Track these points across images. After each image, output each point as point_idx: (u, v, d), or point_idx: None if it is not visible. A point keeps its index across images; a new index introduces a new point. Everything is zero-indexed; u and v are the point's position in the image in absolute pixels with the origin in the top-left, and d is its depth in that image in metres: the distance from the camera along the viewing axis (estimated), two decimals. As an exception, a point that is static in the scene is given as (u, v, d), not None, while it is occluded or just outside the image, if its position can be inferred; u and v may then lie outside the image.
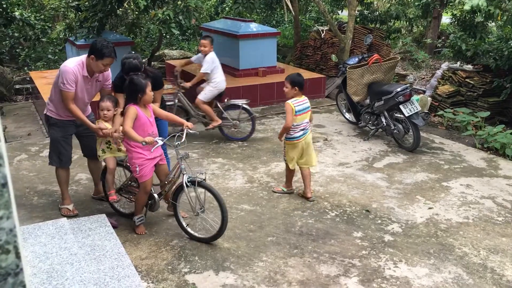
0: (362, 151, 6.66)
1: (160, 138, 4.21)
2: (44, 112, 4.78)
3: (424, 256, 4.15)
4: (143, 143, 4.09)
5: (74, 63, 4.47)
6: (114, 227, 4.48)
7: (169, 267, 4.04)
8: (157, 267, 4.04)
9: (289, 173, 5.25)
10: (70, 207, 4.91)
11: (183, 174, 4.26)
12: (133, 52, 5.83)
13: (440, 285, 3.77)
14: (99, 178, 4.99)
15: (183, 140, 4.26)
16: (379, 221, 4.75)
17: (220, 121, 6.88)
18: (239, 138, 7.07)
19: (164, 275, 3.92)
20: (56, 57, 12.21)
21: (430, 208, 5.01)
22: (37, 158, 6.55)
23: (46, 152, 6.70)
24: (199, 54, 7.00)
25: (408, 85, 6.62)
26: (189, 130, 4.37)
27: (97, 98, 4.86)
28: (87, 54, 4.46)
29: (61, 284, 3.18)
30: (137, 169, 4.26)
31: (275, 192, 5.33)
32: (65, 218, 4.22)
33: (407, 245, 4.33)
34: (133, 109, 4.23)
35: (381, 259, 4.11)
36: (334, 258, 4.13)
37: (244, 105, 6.84)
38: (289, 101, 4.96)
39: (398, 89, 6.41)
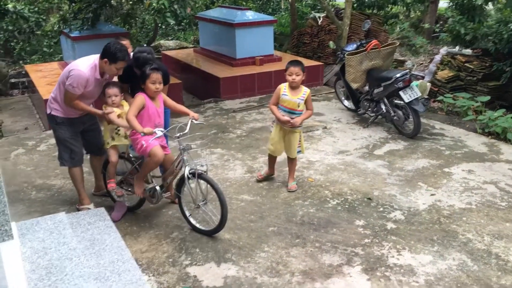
0: (362, 138, 6.60)
1: (160, 129, 4.13)
2: (48, 112, 4.62)
3: (427, 243, 4.10)
4: (142, 133, 4.03)
5: (87, 67, 4.32)
6: (114, 220, 4.43)
7: (170, 259, 4.00)
8: (157, 260, 4.00)
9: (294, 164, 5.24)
10: (91, 206, 4.77)
11: (185, 166, 4.19)
12: (144, 46, 5.68)
13: (445, 272, 3.73)
14: (101, 173, 4.92)
15: (186, 131, 4.18)
16: (381, 209, 4.70)
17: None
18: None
19: (165, 268, 3.88)
20: (52, 49, 12.10)
21: (432, 194, 4.96)
22: (34, 152, 6.48)
23: (43, 147, 6.65)
24: None
25: (407, 70, 6.53)
26: (194, 121, 4.29)
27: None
28: (99, 56, 4.34)
29: (60, 279, 3.13)
30: (143, 143, 4.17)
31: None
32: (64, 212, 4.16)
33: (410, 232, 4.29)
34: (140, 98, 4.17)
35: (384, 247, 4.07)
36: (337, 247, 4.09)
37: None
38: (307, 88, 4.96)
39: (398, 75, 6.34)
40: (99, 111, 4.53)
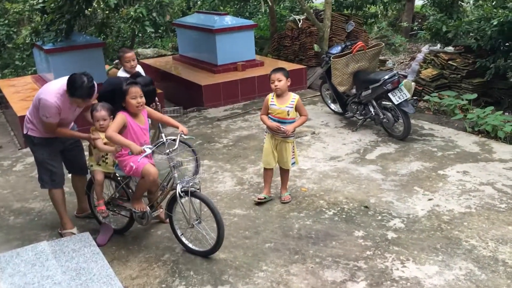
0: (352, 142, 6.44)
1: (149, 146, 3.88)
2: (24, 132, 4.35)
3: (431, 253, 3.94)
4: (129, 153, 3.78)
5: (55, 96, 4.03)
6: (99, 245, 4.17)
7: (163, 285, 3.75)
8: (149, 286, 3.75)
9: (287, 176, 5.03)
10: (74, 230, 4.50)
11: (177, 184, 3.95)
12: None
13: (453, 283, 3.57)
14: (84, 194, 4.64)
15: (175, 147, 3.94)
16: (380, 217, 4.54)
17: None
18: None
19: (159, 295, 3.64)
20: (24, 63, 11.69)
21: (430, 199, 4.81)
22: (10, 173, 6.15)
23: (20, 166, 6.32)
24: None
25: (395, 72, 6.40)
26: (183, 135, 4.05)
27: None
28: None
29: (46, 319, 2.87)
30: (132, 165, 3.92)
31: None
32: (45, 241, 3.87)
33: (412, 241, 4.13)
34: (121, 117, 3.92)
35: (387, 259, 3.89)
36: (338, 262, 3.90)
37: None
38: (296, 94, 4.75)
39: (386, 77, 6.20)
40: (85, 135, 4.27)
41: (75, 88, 3.96)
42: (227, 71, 8.99)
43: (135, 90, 3.91)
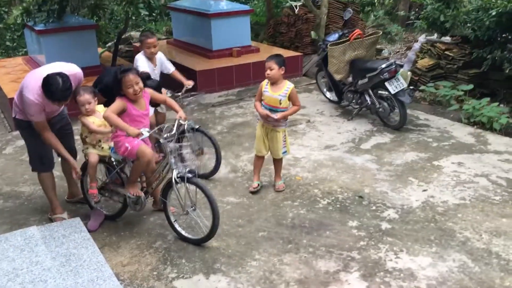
0: (347, 131, 6.39)
1: (146, 129, 3.79)
2: (13, 116, 4.24)
3: (425, 244, 3.92)
4: (126, 133, 3.71)
5: (34, 92, 3.89)
6: (90, 230, 4.11)
7: (154, 272, 3.70)
8: (141, 273, 3.70)
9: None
10: (65, 215, 4.42)
11: (173, 170, 3.87)
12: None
13: (446, 275, 3.55)
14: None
15: (173, 132, 3.86)
16: (374, 208, 4.51)
17: None
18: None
19: (150, 283, 3.59)
20: (15, 43, 11.50)
21: (424, 190, 4.79)
22: (0, 156, 6.04)
23: (10, 149, 6.23)
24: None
25: (393, 61, 6.33)
26: (182, 121, 3.98)
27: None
28: None
29: (34, 305, 2.82)
30: (127, 145, 3.85)
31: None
32: (35, 226, 3.80)
33: (406, 232, 4.10)
34: (120, 102, 3.83)
35: (381, 250, 3.87)
36: (332, 252, 3.87)
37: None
38: (292, 84, 4.67)
39: (383, 66, 6.13)
40: (72, 160, 4.21)
41: (50, 92, 3.84)
42: (222, 56, 8.87)
43: (130, 79, 3.79)
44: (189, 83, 5.25)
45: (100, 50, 9.32)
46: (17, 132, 6.41)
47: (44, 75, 3.89)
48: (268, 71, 4.53)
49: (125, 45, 11.05)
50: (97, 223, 4.34)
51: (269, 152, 4.86)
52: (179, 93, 5.15)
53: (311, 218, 4.36)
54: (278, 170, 4.93)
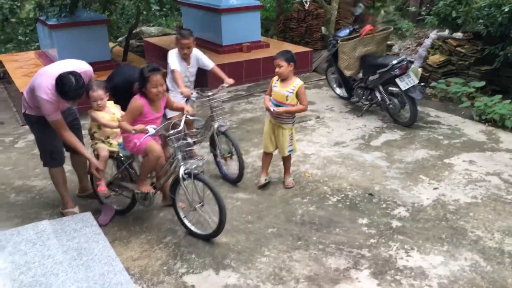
0: (357, 128, 6.36)
1: (152, 126, 3.79)
2: (23, 111, 4.26)
3: (436, 243, 3.90)
4: (133, 131, 3.71)
5: (47, 90, 3.89)
6: (101, 225, 4.13)
7: (165, 267, 3.72)
8: (151, 268, 3.72)
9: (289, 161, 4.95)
10: (76, 209, 4.45)
11: (180, 166, 3.88)
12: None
13: (458, 274, 3.53)
14: (85, 173, 4.58)
15: (180, 128, 3.86)
16: (384, 205, 4.49)
17: None
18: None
19: (160, 277, 3.61)
20: (27, 38, 11.56)
21: (435, 188, 4.76)
22: (12, 150, 6.10)
23: (21, 143, 6.27)
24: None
25: (404, 57, 6.28)
26: (189, 116, 3.98)
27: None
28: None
29: (46, 299, 2.84)
30: (136, 141, 3.86)
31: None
32: (46, 220, 3.83)
33: (417, 230, 4.08)
34: (138, 104, 3.82)
35: (392, 248, 3.85)
36: (342, 249, 3.86)
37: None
38: (301, 81, 4.61)
39: (394, 62, 6.08)
40: (88, 155, 4.18)
41: (64, 91, 3.85)
42: (232, 51, 8.87)
43: (157, 79, 3.79)
44: (229, 81, 4.89)
45: (111, 44, 9.35)
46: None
47: (56, 74, 3.90)
48: (277, 68, 4.51)
49: (136, 40, 11.07)
50: (108, 217, 4.36)
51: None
52: (210, 93, 4.81)
53: (321, 215, 4.35)
54: (287, 167, 4.92)
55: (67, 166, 4.62)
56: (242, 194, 4.78)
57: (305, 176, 5.09)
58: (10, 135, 6.56)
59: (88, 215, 4.07)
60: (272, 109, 4.54)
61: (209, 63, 5.19)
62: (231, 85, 4.97)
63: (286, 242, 3.98)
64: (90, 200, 4.75)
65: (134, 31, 10.57)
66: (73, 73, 3.87)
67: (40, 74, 4.09)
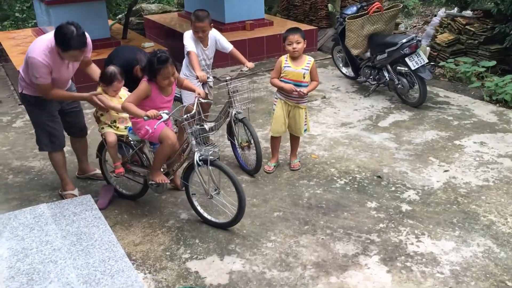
0: (364, 108, 6.19)
1: (166, 111, 3.58)
2: (20, 91, 4.05)
3: (447, 227, 3.77)
4: (145, 117, 3.47)
5: (42, 53, 3.67)
6: (100, 208, 3.99)
7: (167, 253, 3.60)
8: (153, 253, 3.60)
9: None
10: (76, 192, 4.31)
11: (194, 152, 3.69)
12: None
13: (470, 260, 3.41)
14: (85, 155, 4.43)
15: (193, 112, 3.66)
16: (393, 188, 4.35)
17: None
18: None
19: (163, 263, 3.49)
20: (24, 15, 11.30)
21: (445, 171, 4.61)
22: (9, 129, 5.94)
23: (19, 123, 6.12)
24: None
25: (413, 35, 6.07)
26: (201, 99, 3.78)
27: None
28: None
29: None
30: (148, 128, 3.68)
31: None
32: (45, 203, 3.70)
33: (427, 214, 3.95)
34: (146, 87, 3.61)
35: (402, 233, 3.73)
36: (350, 234, 3.73)
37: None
38: (312, 57, 4.46)
39: (404, 40, 5.88)
40: (86, 94, 3.96)
41: (67, 41, 3.59)
42: (235, 29, 8.63)
43: (168, 71, 3.56)
44: (249, 65, 4.68)
45: (110, 22, 9.11)
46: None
47: (49, 37, 3.71)
48: (295, 45, 4.30)
49: (136, 17, 10.82)
50: (106, 200, 4.23)
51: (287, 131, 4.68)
52: (228, 77, 4.58)
53: (328, 199, 4.22)
54: (294, 148, 4.77)
55: (66, 147, 4.47)
56: (247, 176, 4.64)
57: (311, 157, 4.95)
58: (7, 114, 6.41)
59: (88, 198, 3.93)
60: (304, 91, 4.36)
61: (228, 46, 4.86)
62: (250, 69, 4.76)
63: (292, 226, 3.85)
64: (90, 181, 4.62)
65: (133, 8, 10.31)
66: (71, 22, 3.65)
67: (34, 41, 3.88)
